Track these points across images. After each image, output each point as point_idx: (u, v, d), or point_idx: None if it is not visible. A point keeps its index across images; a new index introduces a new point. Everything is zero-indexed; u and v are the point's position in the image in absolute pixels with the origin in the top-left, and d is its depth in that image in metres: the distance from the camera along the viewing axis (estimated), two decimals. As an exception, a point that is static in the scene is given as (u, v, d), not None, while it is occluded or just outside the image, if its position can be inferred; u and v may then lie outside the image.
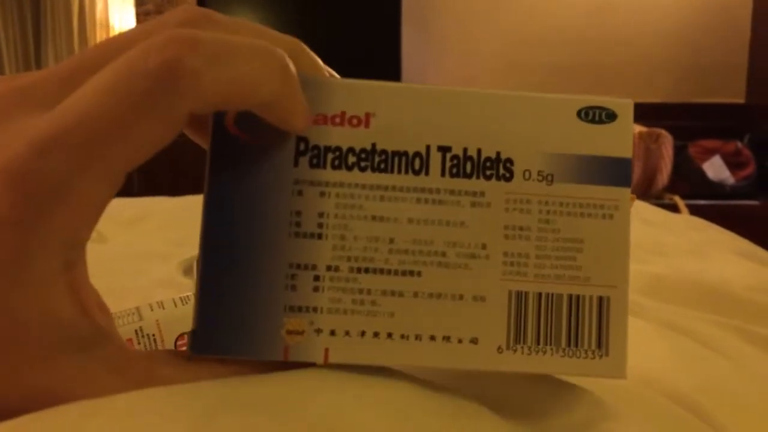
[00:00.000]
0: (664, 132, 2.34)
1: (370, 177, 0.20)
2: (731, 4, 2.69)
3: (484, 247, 0.21)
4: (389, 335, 0.20)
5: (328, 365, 0.20)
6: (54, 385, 0.18)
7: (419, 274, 0.20)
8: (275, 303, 0.20)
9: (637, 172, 2.30)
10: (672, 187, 2.34)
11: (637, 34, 2.69)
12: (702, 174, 2.34)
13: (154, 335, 0.38)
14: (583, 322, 0.21)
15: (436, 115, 0.21)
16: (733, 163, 2.36)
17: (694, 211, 1.74)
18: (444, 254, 0.21)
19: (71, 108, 0.17)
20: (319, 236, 0.20)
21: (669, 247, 0.74)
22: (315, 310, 0.20)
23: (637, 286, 0.54)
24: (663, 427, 0.23)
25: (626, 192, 0.21)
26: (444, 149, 0.21)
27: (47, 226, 0.17)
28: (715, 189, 2.32)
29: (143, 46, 0.17)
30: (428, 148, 0.21)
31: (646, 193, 2.28)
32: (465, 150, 0.21)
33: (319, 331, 0.20)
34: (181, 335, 0.38)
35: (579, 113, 0.21)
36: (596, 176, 0.21)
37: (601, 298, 0.21)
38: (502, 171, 0.21)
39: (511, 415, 0.21)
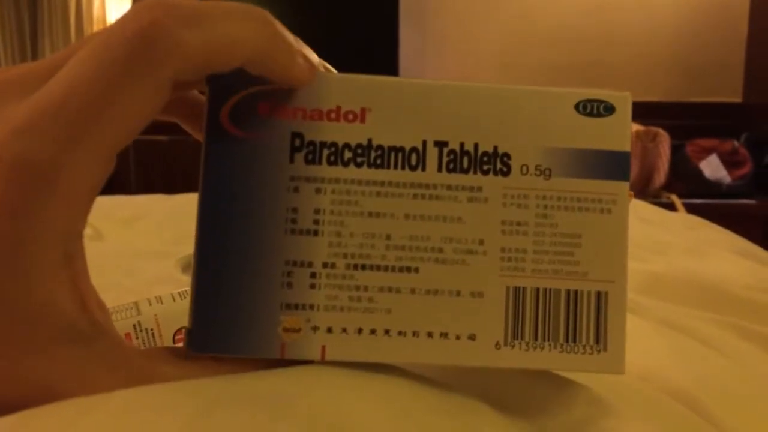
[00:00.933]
0: (661, 131, 2.34)
1: (366, 173, 0.20)
2: (728, 3, 2.70)
3: (481, 242, 0.20)
4: (386, 332, 0.20)
5: (325, 362, 0.20)
6: (51, 380, 0.18)
7: (416, 270, 0.20)
8: (272, 301, 0.20)
9: (634, 171, 2.30)
10: (669, 186, 2.34)
11: (635, 33, 2.69)
12: (699, 173, 2.35)
13: (152, 330, 0.38)
14: (581, 318, 0.21)
15: (433, 109, 0.21)
16: (729, 162, 2.37)
17: (691, 209, 1.74)
18: (441, 250, 0.20)
19: (52, 87, 0.17)
20: (315, 233, 0.20)
21: (667, 246, 0.74)
22: (311, 307, 0.20)
23: (635, 285, 0.54)
24: (662, 423, 0.23)
25: (624, 186, 0.21)
26: (441, 144, 0.21)
27: (42, 214, 0.17)
28: (711, 188, 2.32)
29: (120, 18, 0.17)
30: (425, 143, 0.21)
31: (644, 191, 2.28)
32: (462, 145, 0.21)
33: (315, 328, 0.20)
34: (179, 330, 0.38)
35: (577, 106, 0.21)
36: (594, 170, 0.21)
37: (599, 293, 0.21)
38: (499, 166, 0.21)
39: (511, 412, 0.21)
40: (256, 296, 0.20)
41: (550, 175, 0.21)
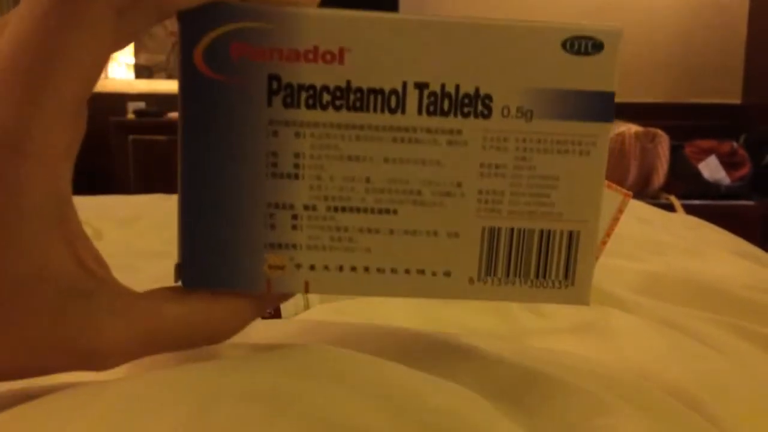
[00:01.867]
0: (660, 132, 2.34)
1: (346, 116, 0.20)
2: (728, 5, 2.70)
3: (459, 185, 0.21)
4: (366, 269, 0.21)
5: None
6: (61, 335, 0.18)
7: (395, 212, 0.21)
8: (256, 241, 0.21)
9: (633, 172, 2.30)
10: (668, 187, 2.34)
11: (635, 34, 2.69)
12: (698, 174, 2.35)
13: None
14: (552, 256, 0.21)
15: (414, 48, 0.20)
16: (728, 163, 2.37)
17: (690, 210, 1.74)
18: (419, 193, 0.21)
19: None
20: (296, 176, 0.20)
21: (665, 246, 0.74)
22: (294, 246, 0.21)
23: (634, 285, 0.54)
24: (661, 421, 0.23)
25: (607, 127, 0.21)
26: (421, 86, 0.20)
27: (21, 180, 0.17)
28: (710, 189, 2.32)
29: None
30: (405, 84, 0.20)
31: (642, 192, 2.28)
32: (443, 86, 0.20)
33: (299, 266, 0.21)
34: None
35: (564, 44, 0.21)
36: (577, 112, 0.21)
37: (571, 233, 0.21)
38: (480, 108, 0.20)
39: (508, 409, 0.21)
40: (240, 236, 0.21)
41: (531, 117, 0.21)
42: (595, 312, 0.42)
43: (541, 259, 0.21)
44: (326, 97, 0.20)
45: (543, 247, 0.21)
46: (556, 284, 0.21)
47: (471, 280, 0.21)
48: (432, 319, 0.42)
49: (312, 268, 0.21)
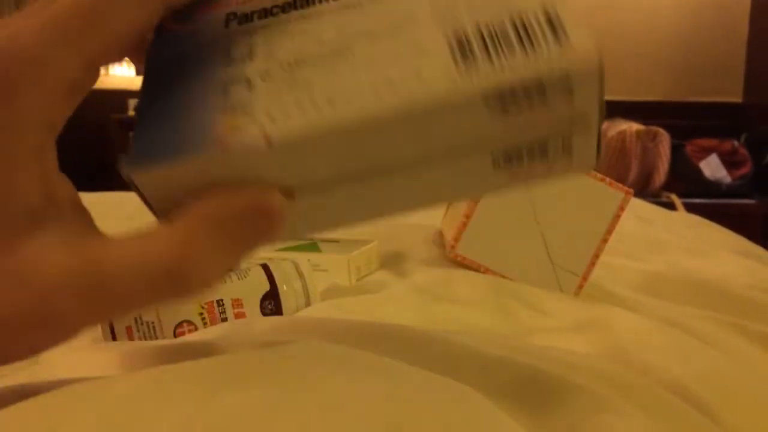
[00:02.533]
0: (661, 130, 2.34)
1: (295, 13, 0.22)
2: (729, 4, 2.70)
3: (410, 14, 0.20)
4: (330, 102, 0.19)
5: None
6: (16, 267, 0.18)
7: (351, 51, 0.20)
8: (208, 106, 0.20)
9: (634, 171, 2.30)
10: (669, 186, 2.35)
11: (636, 32, 2.69)
12: (699, 173, 2.35)
13: (152, 323, 0.38)
14: (534, 31, 0.19)
15: None
16: (729, 162, 2.37)
17: (691, 209, 1.74)
18: (372, 31, 0.21)
19: (55, 5, 0.18)
20: (251, 58, 0.21)
21: (666, 245, 0.74)
22: (250, 104, 0.20)
23: (635, 284, 0.54)
24: (661, 419, 0.23)
25: None
26: None
27: (22, 101, 0.18)
28: (711, 188, 2.32)
29: None
30: None
31: (643, 191, 2.28)
32: None
33: (255, 120, 0.19)
34: (180, 323, 0.38)
35: None
36: None
37: (547, 12, 0.19)
38: None
39: (510, 408, 0.21)
40: (191, 105, 0.20)
41: None
42: (596, 310, 0.42)
43: (522, 38, 0.19)
44: (276, 10, 0.22)
45: (521, 30, 0.19)
46: (550, 46, 0.19)
47: (449, 71, 0.19)
48: (433, 318, 0.42)
49: (271, 118, 0.19)
